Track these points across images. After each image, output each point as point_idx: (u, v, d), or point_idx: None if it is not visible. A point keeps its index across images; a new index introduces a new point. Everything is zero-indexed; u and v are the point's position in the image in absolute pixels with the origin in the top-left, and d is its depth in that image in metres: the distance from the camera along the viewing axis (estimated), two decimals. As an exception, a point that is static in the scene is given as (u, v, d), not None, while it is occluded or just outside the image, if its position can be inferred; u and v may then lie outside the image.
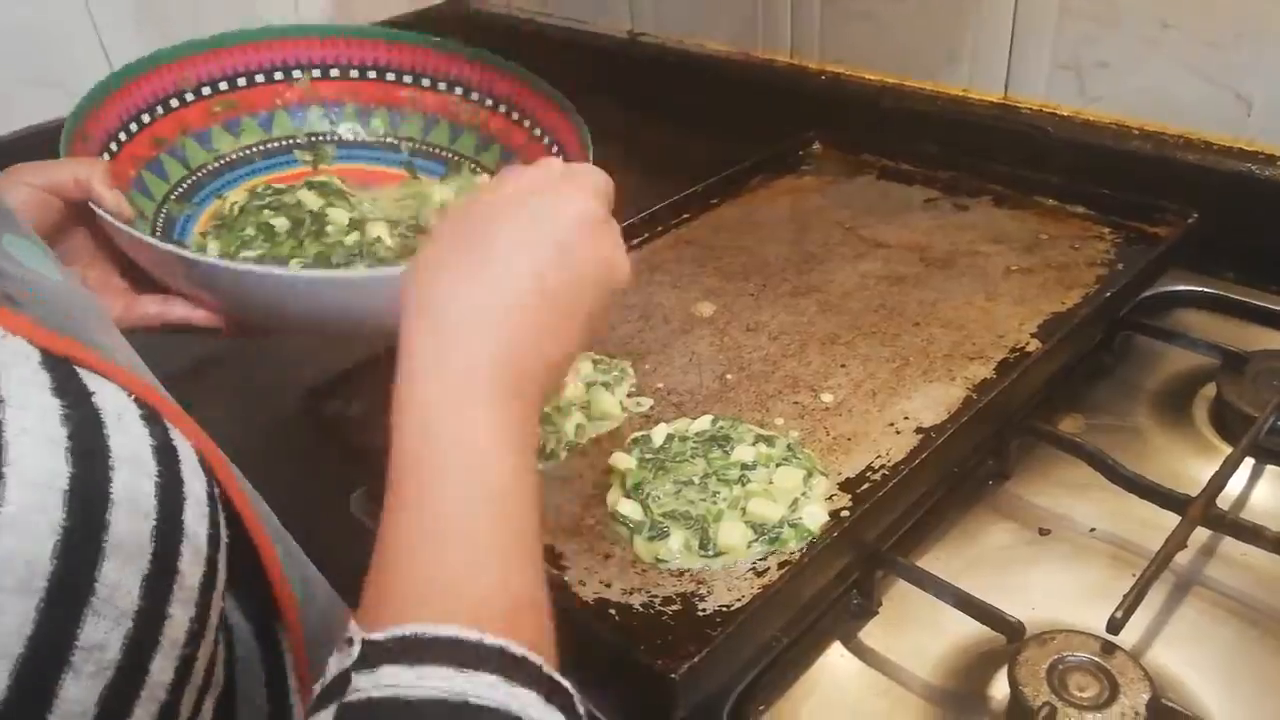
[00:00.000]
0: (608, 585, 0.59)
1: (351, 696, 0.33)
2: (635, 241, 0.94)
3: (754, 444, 0.65)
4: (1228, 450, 0.66)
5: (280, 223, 0.76)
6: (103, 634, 0.27)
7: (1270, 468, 0.68)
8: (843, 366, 0.75)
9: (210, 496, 0.34)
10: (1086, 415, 0.75)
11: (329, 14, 1.25)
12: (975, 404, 0.69)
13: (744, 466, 0.63)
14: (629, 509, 0.62)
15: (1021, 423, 0.71)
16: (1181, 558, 0.60)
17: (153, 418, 0.32)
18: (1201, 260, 0.84)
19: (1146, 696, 0.51)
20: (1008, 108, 0.97)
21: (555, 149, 0.77)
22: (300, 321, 0.63)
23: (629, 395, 0.74)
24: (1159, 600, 0.60)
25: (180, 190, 0.77)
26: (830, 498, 0.63)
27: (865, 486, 0.63)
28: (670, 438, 0.67)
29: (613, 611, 0.57)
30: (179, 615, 0.30)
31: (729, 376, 0.75)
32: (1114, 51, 0.89)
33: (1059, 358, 0.74)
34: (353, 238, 0.75)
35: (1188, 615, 0.60)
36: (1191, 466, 0.68)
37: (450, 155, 0.84)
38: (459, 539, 0.38)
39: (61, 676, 0.26)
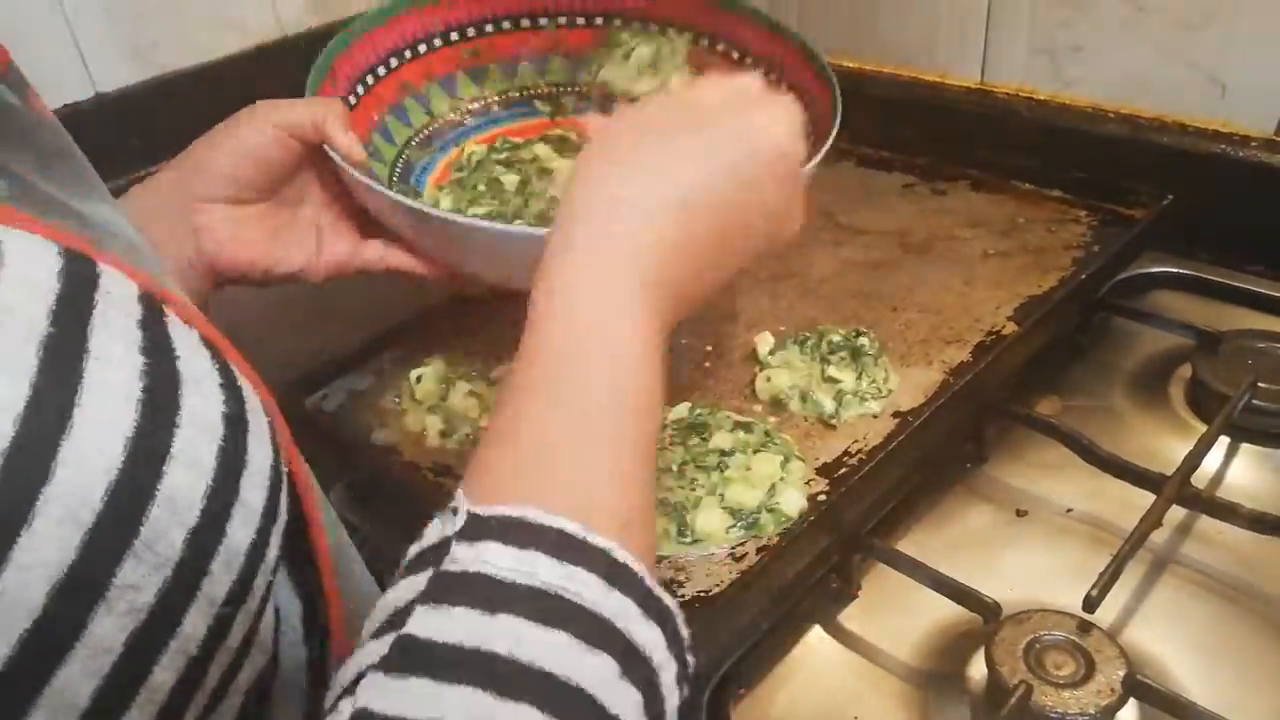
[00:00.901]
0: (587, 573, 0.59)
1: (448, 565, 0.33)
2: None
3: (732, 431, 0.65)
4: (1203, 429, 0.66)
5: (510, 180, 0.75)
6: (139, 576, 0.28)
7: (1245, 445, 0.69)
8: (821, 352, 0.75)
9: (274, 470, 0.34)
10: (1063, 397, 0.75)
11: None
12: (952, 387, 0.69)
13: (722, 453, 0.64)
14: (608, 497, 0.62)
15: (998, 405, 0.71)
16: (1157, 536, 0.60)
17: (232, 388, 0.33)
18: (1176, 241, 0.84)
19: (1122, 673, 0.52)
20: (984, 93, 0.97)
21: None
22: (512, 278, 0.62)
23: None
24: (1135, 579, 0.60)
25: (421, 137, 0.75)
26: (808, 483, 0.63)
27: (842, 471, 0.63)
28: (649, 426, 0.67)
29: (592, 599, 0.57)
30: (220, 575, 0.31)
31: (708, 364, 0.75)
32: (1089, 35, 0.90)
33: (1035, 340, 0.75)
34: None
35: (1164, 593, 0.60)
36: (1168, 446, 0.69)
37: None
38: (582, 435, 0.37)
39: (95, 608, 0.27)
